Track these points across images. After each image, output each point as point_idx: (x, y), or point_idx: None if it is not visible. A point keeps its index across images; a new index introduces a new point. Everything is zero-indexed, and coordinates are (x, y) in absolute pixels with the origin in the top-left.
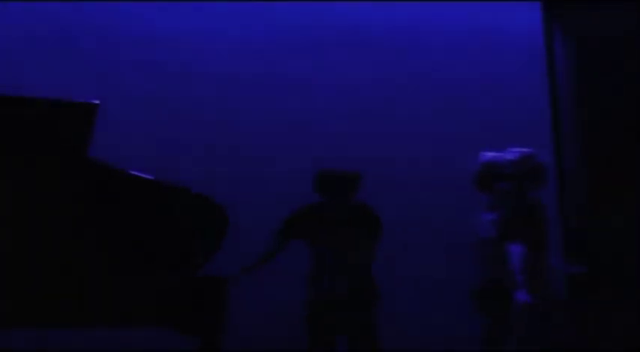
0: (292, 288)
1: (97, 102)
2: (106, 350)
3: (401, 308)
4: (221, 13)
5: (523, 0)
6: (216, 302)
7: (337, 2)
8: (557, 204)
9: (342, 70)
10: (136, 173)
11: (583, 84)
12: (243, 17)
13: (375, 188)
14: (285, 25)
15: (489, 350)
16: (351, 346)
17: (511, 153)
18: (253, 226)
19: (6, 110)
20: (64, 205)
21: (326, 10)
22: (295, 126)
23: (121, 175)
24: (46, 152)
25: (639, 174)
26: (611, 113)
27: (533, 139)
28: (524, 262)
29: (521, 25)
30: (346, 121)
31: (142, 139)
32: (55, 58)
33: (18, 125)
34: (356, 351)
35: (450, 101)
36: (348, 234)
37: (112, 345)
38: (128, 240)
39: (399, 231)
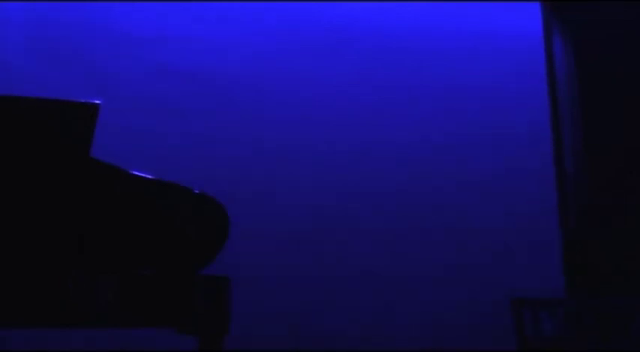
0: (292, 288)
1: (99, 102)
2: (106, 350)
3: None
4: (221, 14)
5: (522, 1)
6: (217, 301)
7: (336, 3)
8: (558, 206)
9: (339, 72)
10: (136, 173)
11: (583, 85)
12: (244, 18)
13: (374, 189)
14: (285, 25)
15: None
16: None
17: None
18: (254, 226)
19: (6, 110)
20: (65, 205)
21: (326, 12)
22: (295, 127)
23: (121, 175)
24: (47, 152)
25: None
26: (611, 114)
27: (533, 141)
28: None
29: (521, 26)
30: (345, 122)
31: (142, 139)
32: (56, 59)
33: (18, 125)
34: None
35: (448, 103)
36: None
37: (112, 345)
38: (129, 240)
39: (397, 233)
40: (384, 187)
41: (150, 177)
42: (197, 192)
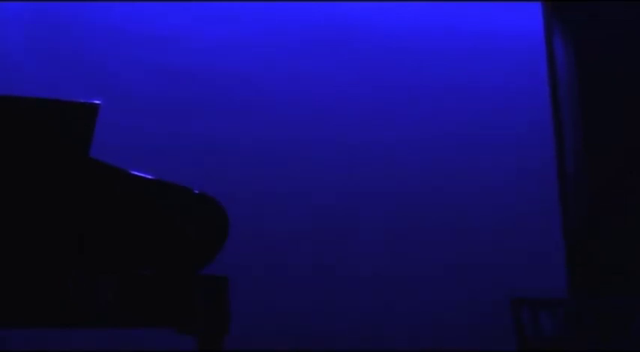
0: (292, 288)
1: (99, 102)
2: (106, 350)
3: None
4: (221, 14)
5: (523, 1)
6: (217, 301)
7: (336, 3)
8: (559, 206)
9: (339, 71)
10: (136, 173)
11: (583, 85)
12: (244, 17)
13: (374, 189)
14: (285, 25)
15: None
16: None
17: None
18: (254, 226)
19: (6, 110)
20: (65, 206)
21: (326, 12)
22: (295, 127)
23: (121, 175)
24: (47, 152)
25: None
26: (611, 114)
27: (534, 141)
28: None
29: (521, 26)
30: (345, 122)
31: (142, 139)
32: (56, 59)
33: (18, 125)
34: None
35: (449, 103)
36: None
37: (112, 345)
38: (129, 240)
39: (397, 233)
40: (384, 187)
41: (150, 177)
42: (197, 192)
